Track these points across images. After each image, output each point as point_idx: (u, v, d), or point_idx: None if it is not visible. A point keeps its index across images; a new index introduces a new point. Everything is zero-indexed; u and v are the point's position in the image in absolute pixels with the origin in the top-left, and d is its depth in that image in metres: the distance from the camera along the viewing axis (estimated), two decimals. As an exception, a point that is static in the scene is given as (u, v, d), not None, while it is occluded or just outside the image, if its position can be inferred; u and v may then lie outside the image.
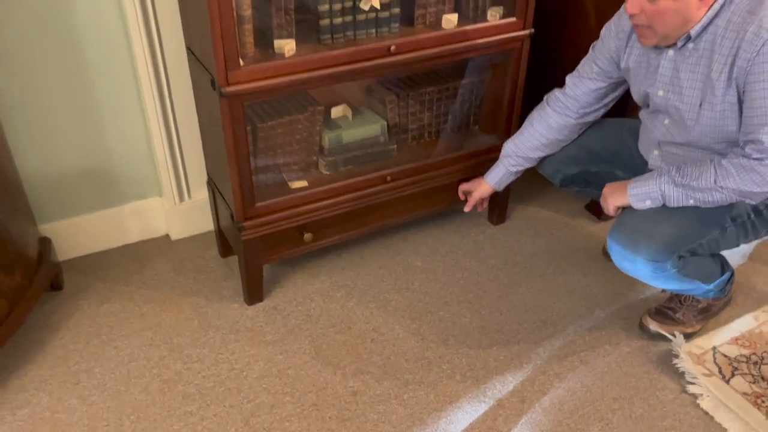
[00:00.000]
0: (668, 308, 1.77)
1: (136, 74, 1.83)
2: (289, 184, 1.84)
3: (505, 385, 1.65)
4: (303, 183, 1.85)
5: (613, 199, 1.57)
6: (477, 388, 1.64)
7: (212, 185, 1.89)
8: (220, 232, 1.98)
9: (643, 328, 1.79)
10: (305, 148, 1.85)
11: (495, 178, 1.87)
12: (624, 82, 1.68)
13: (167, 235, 2.13)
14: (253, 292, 1.86)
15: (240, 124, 1.57)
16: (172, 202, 2.05)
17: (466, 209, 1.95)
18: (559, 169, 1.85)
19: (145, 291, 1.92)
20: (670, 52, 1.49)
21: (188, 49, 1.73)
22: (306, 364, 1.70)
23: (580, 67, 1.72)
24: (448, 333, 1.80)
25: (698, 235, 1.52)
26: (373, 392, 1.63)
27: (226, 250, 2.02)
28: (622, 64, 1.61)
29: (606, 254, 2.05)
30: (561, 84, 1.77)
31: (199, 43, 1.59)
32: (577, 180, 1.86)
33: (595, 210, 2.23)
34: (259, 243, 1.77)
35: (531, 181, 2.15)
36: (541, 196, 2.32)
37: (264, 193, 1.76)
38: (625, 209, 1.57)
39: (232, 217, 1.73)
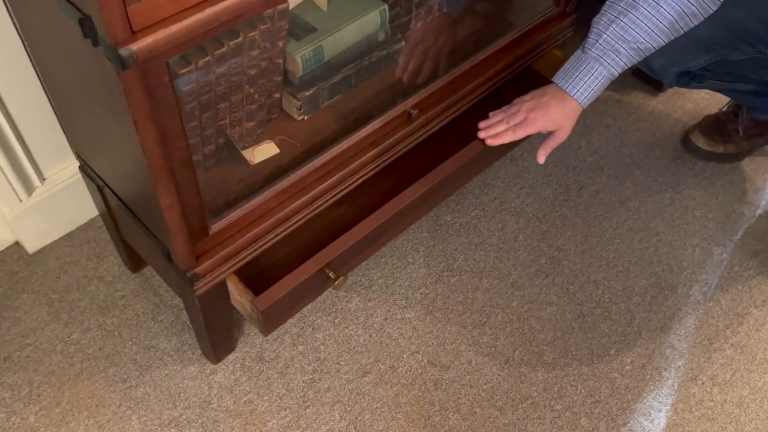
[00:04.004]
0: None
1: None
2: (246, 155, 1.00)
3: (652, 417, 1.10)
4: (269, 148, 1.02)
5: None
6: (616, 433, 1.09)
7: (96, 178, 1.00)
8: (117, 232, 1.13)
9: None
10: (264, 85, 0.98)
11: (593, 92, 1.04)
12: None
13: (17, 246, 1.23)
14: (220, 344, 1.09)
15: (171, 110, 0.70)
16: (13, 198, 1.14)
17: (540, 160, 1.07)
18: (678, 60, 1.14)
19: (18, 375, 1.08)
20: None
21: None
22: (353, 462, 1.04)
23: None
24: (539, 339, 1.18)
25: None
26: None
27: (135, 258, 1.19)
28: None
29: (688, 146, 1.45)
30: None
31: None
32: (701, 74, 1.18)
33: (649, 77, 1.57)
34: (225, 288, 0.97)
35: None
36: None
37: (215, 199, 0.93)
38: None
39: (168, 257, 0.90)
